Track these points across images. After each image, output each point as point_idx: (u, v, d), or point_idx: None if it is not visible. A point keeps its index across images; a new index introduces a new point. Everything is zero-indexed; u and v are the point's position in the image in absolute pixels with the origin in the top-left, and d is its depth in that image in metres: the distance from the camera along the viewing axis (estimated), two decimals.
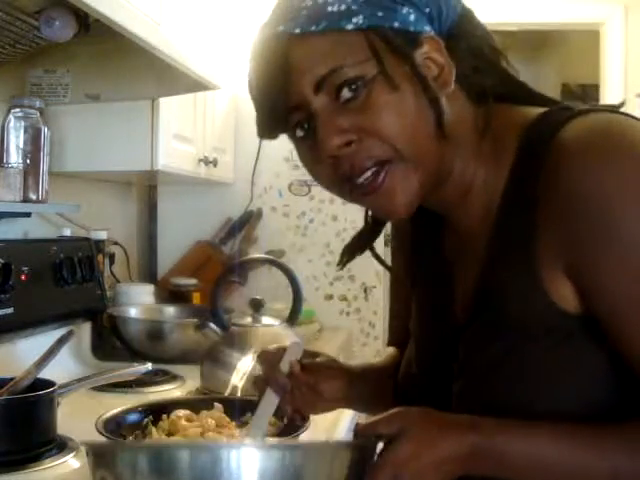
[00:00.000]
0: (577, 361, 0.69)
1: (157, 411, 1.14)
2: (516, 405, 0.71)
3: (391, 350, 1.03)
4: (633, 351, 0.66)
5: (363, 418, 1.30)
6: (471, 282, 0.78)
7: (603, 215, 0.65)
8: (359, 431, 0.70)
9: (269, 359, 0.92)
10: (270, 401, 0.88)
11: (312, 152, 0.74)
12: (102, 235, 1.95)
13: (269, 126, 0.77)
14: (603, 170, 0.65)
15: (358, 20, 0.70)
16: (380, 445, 0.70)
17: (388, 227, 0.94)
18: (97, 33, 1.39)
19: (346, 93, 0.71)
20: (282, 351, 0.92)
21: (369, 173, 0.72)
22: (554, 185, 0.68)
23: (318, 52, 0.71)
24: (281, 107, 0.73)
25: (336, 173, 0.74)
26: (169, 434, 1.13)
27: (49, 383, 1.15)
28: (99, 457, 0.68)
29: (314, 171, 0.76)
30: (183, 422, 1.14)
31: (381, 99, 0.70)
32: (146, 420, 1.13)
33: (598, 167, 0.65)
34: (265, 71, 0.73)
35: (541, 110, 0.75)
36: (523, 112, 0.76)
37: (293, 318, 1.61)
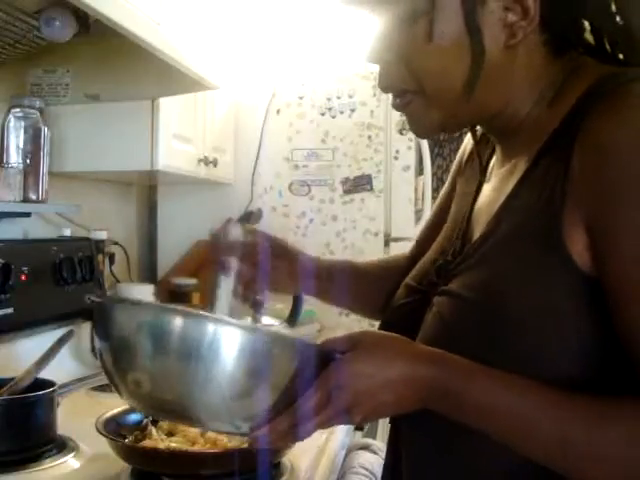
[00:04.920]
0: (566, 324, 0.66)
1: None
2: (486, 349, 0.68)
3: (398, 256, 1.06)
4: (631, 320, 0.63)
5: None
6: (493, 207, 0.77)
7: (630, 169, 0.63)
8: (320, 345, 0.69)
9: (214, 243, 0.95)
10: (221, 285, 0.89)
11: None
12: (102, 235, 1.94)
13: None
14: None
15: None
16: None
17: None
18: (97, 33, 1.39)
19: None
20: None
21: (394, 95, 0.78)
22: (590, 133, 0.66)
23: None
24: None
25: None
26: (169, 434, 1.13)
27: (49, 383, 1.15)
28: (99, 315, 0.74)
29: None
30: None
31: (424, 39, 0.72)
32: (146, 420, 1.13)
33: (634, 122, 0.64)
34: None
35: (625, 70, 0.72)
36: (605, 69, 0.72)
37: (293, 318, 1.61)
